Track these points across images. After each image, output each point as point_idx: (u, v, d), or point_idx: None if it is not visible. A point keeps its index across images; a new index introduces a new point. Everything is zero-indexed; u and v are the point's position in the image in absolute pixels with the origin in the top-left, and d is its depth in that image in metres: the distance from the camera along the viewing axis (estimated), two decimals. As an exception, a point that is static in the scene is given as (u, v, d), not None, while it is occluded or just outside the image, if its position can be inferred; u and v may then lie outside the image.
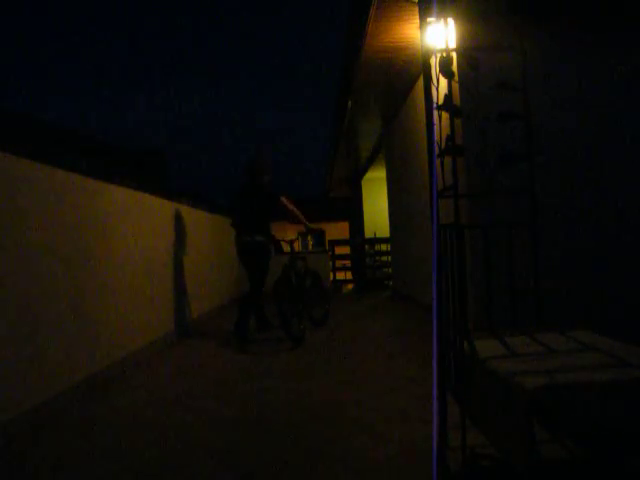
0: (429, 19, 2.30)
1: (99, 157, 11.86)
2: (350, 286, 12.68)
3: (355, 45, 5.54)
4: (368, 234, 13.73)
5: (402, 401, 3.01)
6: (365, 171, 13.27)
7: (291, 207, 5.29)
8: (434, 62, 2.09)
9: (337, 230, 20.69)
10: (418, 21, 3.84)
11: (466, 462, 1.86)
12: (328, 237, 16.22)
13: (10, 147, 2.95)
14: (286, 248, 5.71)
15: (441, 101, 2.08)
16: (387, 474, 2.15)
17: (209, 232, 8.06)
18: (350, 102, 7.22)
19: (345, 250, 13.50)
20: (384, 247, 11.82)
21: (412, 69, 5.84)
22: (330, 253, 11.83)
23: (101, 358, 3.88)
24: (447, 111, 2.07)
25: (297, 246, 6.68)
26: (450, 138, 2.05)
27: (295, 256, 5.63)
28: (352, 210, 16.38)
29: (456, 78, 2.20)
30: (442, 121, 2.11)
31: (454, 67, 2.09)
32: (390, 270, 10.97)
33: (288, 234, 8.41)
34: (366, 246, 12.30)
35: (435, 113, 2.11)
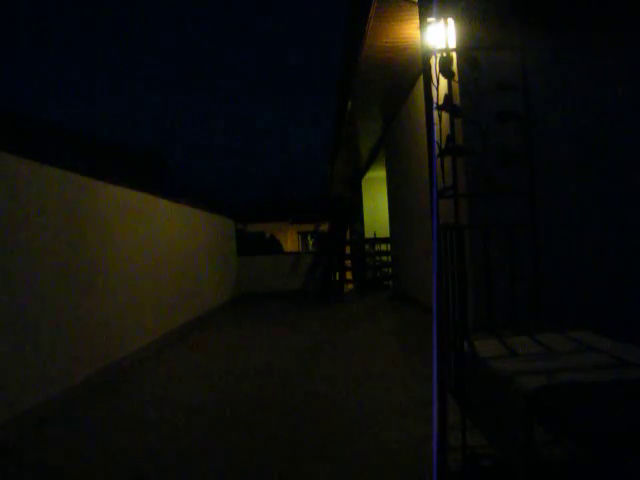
0: (429, 19, 2.29)
1: (99, 157, 11.83)
2: (350, 286, 12.67)
3: (355, 45, 5.53)
4: (368, 234, 13.72)
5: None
6: (365, 171, 13.26)
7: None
8: (434, 62, 2.09)
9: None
10: (418, 21, 3.84)
11: (466, 462, 1.86)
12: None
13: (11, 147, 2.95)
14: None
15: (441, 101, 2.08)
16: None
17: (209, 232, 8.05)
18: (350, 102, 7.21)
19: (345, 250, 13.47)
20: (384, 247, 11.81)
21: (412, 69, 5.83)
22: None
23: (98, 359, 3.88)
24: (447, 111, 2.07)
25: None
26: (450, 138, 2.05)
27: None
28: (352, 210, 16.33)
29: (456, 78, 2.20)
30: (442, 121, 2.11)
31: (454, 67, 2.09)
32: (390, 270, 10.97)
33: (288, 233, 8.39)
34: (366, 246, 12.29)
35: (435, 113, 2.11)
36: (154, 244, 5.31)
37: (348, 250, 13.68)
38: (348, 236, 12.65)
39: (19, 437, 2.74)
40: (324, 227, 10.94)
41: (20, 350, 2.91)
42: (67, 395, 3.31)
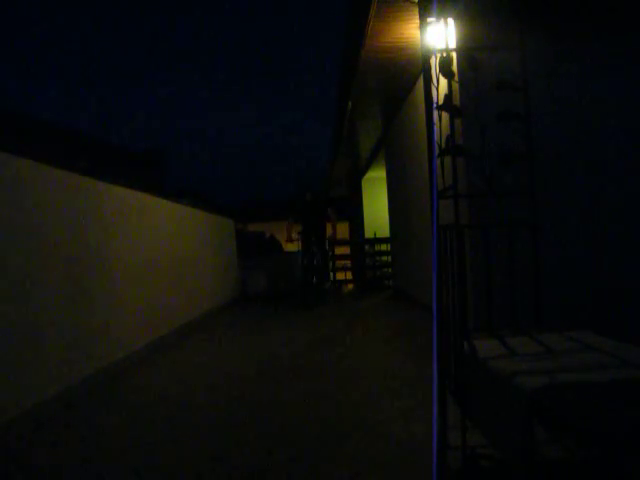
0: (429, 19, 2.29)
1: (99, 157, 11.84)
2: (350, 286, 12.70)
3: (355, 45, 5.54)
4: (368, 234, 13.73)
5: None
6: (365, 171, 13.27)
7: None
8: (434, 62, 2.09)
9: (338, 230, 20.70)
10: (418, 21, 3.84)
11: (466, 462, 1.86)
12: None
13: (12, 147, 2.95)
14: None
15: (441, 101, 2.08)
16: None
17: (209, 232, 8.05)
18: (350, 102, 7.21)
19: (345, 250, 13.54)
20: (384, 247, 11.83)
21: (412, 69, 5.83)
22: (330, 253, 11.92)
23: (99, 358, 3.88)
24: (447, 111, 2.07)
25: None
26: (450, 138, 2.05)
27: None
28: (352, 210, 16.37)
29: (456, 78, 2.20)
30: (442, 121, 2.11)
31: (454, 67, 2.09)
32: (390, 270, 10.98)
33: (285, 234, 8.44)
34: (366, 246, 12.31)
35: (435, 113, 2.11)
36: (155, 244, 5.31)
37: (348, 250, 13.70)
38: (341, 235, 12.42)
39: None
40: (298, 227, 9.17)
41: (21, 350, 2.91)
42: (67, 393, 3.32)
